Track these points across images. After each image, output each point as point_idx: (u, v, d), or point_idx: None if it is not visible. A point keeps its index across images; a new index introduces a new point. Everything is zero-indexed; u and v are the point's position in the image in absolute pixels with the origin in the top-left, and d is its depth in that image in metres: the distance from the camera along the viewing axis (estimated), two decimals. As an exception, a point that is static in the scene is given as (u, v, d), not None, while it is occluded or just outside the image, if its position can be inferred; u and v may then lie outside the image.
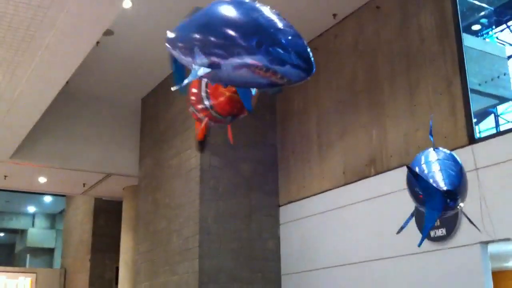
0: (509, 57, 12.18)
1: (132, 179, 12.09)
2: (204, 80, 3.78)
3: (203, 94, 3.87)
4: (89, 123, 11.55)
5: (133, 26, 9.15)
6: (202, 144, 4.44)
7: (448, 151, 4.13)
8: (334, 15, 9.02)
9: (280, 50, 2.20)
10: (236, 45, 2.23)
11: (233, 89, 3.48)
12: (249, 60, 2.21)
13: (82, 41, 7.33)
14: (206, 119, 4.02)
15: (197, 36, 2.43)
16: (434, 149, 4.12)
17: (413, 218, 5.19)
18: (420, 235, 6.91)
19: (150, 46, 9.53)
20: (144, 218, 11.10)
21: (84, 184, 12.91)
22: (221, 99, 3.69)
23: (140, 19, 8.87)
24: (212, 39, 2.33)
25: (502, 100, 11.59)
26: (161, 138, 10.88)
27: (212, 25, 2.36)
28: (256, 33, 2.23)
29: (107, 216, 14.81)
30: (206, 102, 3.86)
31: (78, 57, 7.72)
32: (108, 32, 8.76)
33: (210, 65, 2.35)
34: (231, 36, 2.26)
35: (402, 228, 4.18)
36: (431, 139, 4.24)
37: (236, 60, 2.24)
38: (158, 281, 9.99)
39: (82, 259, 15.54)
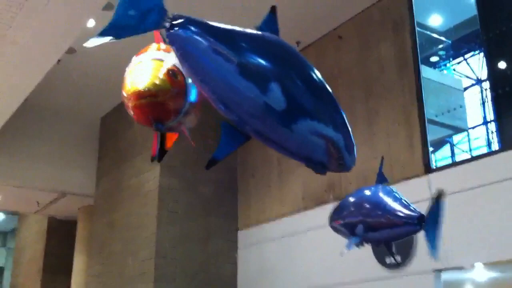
0: (465, 89, 12.55)
1: (88, 199, 11.86)
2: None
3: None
4: (45, 141, 11.31)
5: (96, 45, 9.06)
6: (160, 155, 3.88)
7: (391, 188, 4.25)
8: (298, 42, 9.15)
9: (353, 145, 2.31)
10: (329, 113, 2.20)
11: (133, 94, 2.93)
12: (331, 132, 2.19)
13: (43, 59, 7.26)
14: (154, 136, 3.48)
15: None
16: (381, 186, 4.23)
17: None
18: (376, 262, 7.01)
19: (112, 65, 9.40)
20: (98, 240, 10.87)
21: (38, 203, 12.60)
22: (130, 110, 3.09)
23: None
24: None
25: (458, 130, 11.89)
26: (120, 158, 10.74)
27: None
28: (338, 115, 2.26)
29: (60, 236, 14.43)
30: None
31: (39, 74, 7.64)
32: (70, 50, 8.67)
33: (284, 121, 2.08)
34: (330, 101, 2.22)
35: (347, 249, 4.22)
36: (381, 177, 4.30)
37: (319, 127, 2.15)
38: (111, 305, 9.78)
39: (33, 279, 15.08)
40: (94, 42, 2.04)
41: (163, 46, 3.29)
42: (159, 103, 2.98)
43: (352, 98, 8.13)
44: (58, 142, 11.42)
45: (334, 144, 2.21)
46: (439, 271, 6.45)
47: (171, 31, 2.00)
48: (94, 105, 11.23)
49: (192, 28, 2.00)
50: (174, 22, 2.00)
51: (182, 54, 2.04)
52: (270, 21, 2.26)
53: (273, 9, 2.30)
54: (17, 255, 17.54)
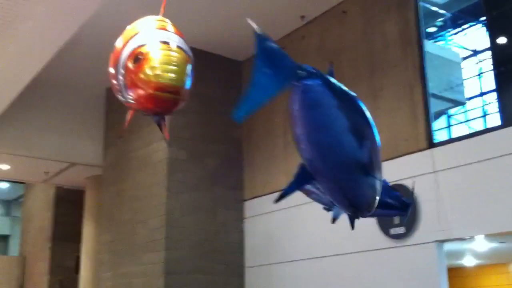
0: (463, 59, 12.73)
1: (95, 169, 12.13)
2: (123, 58, 3.11)
3: (121, 82, 3.13)
4: (54, 112, 11.52)
5: (104, 14, 9.16)
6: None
7: None
8: (302, 16, 9.30)
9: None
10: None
11: (159, 84, 2.86)
12: (380, 188, 2.60)
13: (57, 34, 7.39)
14: (130, 112, 3.39)
15: None
16: None
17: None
18: (380, 233, 7.34)
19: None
20: (107, 209, 11.17)
21: (46, 173, 12.89)
22: (141, 94, 2.95)
23: (112, 6, 8.90)
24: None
25: (456, 103, 12.15)
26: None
27: None
28: None
29: (68, 205, 14.76)
30: (125, 95, 3.14)
31: (52, 49, 7.78)
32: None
33: (362, 173, 2.44)
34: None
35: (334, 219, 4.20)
36: None
37: (376, 183, 2.56)
38: (122, 271, 10.12)
39: (41, 247, 15.45)
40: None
41: (157, 20, 3.18)
42: (178, 100, 2.92)
43: (356, 74, 8.33)
44: (66, 113, 11.63)
45: (376, 198, 2.58)
46: (442, 241, 6.77)
47: (306, 81, 2.21)
48: (101, 75, 11.26)
49: (323, 82, 2.28)
50: (309, 73, 2.22)
51: (310, 104, 2.24)
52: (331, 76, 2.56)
53: (331, 65, 2.71)
54: (25, 224, 17.89)
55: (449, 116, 13.19)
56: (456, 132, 12.42)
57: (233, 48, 10.05)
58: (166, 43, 3.01)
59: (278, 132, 9.55)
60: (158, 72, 2.86)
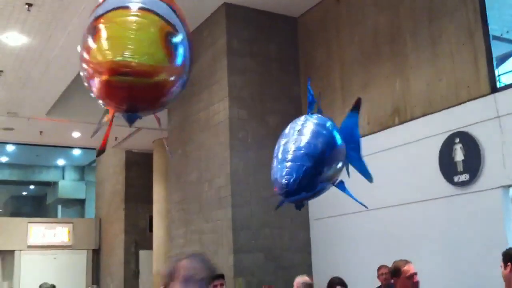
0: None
1: (161, 132, 12.50)
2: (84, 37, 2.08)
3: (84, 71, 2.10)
4: (119, 79, 11.87)
5: None
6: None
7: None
8: (357, -34, 9.14)
9: None
10: None
11: (111, 64, 1.95)
12: None
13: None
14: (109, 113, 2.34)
15: None
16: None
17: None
18: (444, 181, 7.29)
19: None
20: (175, 170, 11.58)
21: (116, 138, 13.41)
22: (94, 82, 2.05)
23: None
24: None
25: (522, 44, 11.67)
26: (188, 92, 11.19)
27: None
28: None
29: (138, 167, 15.39)
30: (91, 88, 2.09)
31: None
32: None
33: None
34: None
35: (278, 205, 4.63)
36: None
37: None
38: (192, 228, 10.55)
39: (116, 209, 16.23)
40: None
41: None
42: (149, 86, 1.96)
43: (415, 21, 8.16)
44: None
45: None
46: (507, 187, 6.67)
47: None
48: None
49: None
50: None
51: None
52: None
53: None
54: (99, 187, 18.80)
55: (516, 58, 12.71)
56: (525, 74, 11.98)
57: (288, 5, 10.04)
58: (125, 7, 2.15)
59: (336, 87, 9.54)
60: (103, 44, 1.93)
